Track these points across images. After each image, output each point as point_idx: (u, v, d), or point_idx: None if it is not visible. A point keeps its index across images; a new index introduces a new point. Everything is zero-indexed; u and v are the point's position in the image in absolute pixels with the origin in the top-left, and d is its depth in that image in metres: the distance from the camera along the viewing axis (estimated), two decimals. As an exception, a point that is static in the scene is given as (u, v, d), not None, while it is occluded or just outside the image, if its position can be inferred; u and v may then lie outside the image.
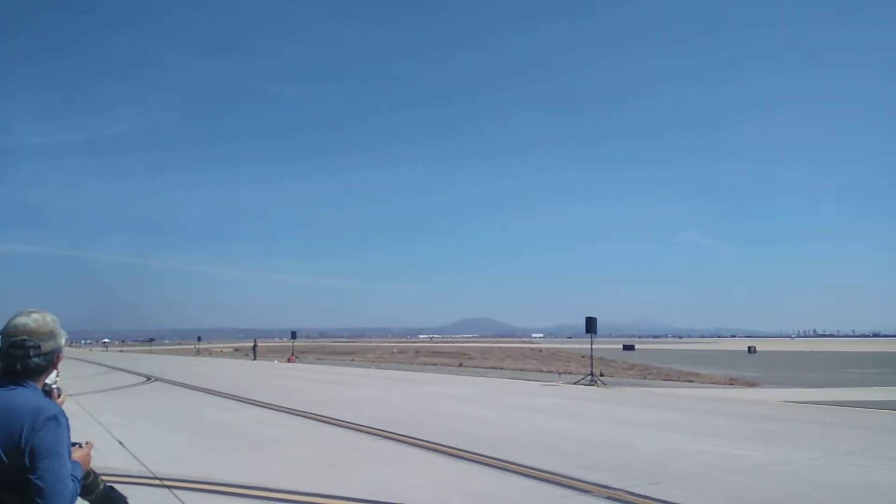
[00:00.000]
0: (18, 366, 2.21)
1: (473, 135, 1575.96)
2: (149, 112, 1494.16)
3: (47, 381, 2.41)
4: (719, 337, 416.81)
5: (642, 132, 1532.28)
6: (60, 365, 2.46)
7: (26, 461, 2.07)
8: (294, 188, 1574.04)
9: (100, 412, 14.32)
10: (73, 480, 2.14)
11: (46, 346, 2.27)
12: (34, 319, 2.28)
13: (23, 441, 2.07)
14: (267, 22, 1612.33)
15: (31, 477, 2.06)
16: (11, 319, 2.29)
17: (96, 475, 2.77)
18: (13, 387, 2.19)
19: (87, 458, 2.55)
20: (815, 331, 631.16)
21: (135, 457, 9.09)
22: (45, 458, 2.08)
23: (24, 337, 2.22)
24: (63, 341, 2.38)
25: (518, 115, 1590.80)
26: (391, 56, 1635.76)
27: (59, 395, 2.72)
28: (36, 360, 2.23)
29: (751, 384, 23.76)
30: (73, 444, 2.36)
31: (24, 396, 2.17)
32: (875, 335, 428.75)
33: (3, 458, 2.08)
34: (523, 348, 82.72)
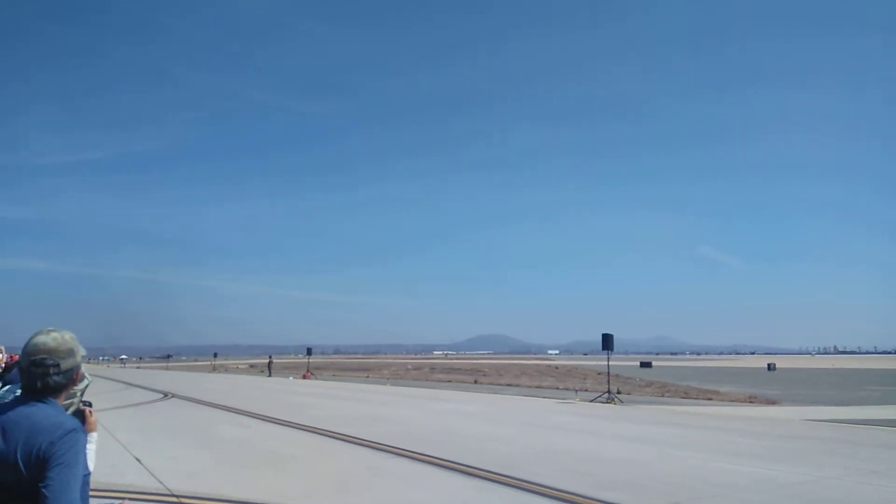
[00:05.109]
0: (39, 384, 2.26)
1: (488, 147, 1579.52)
2: (162, 130, 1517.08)
3: (83, 399, 2.44)
4: (738, 354, 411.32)
5: (657, 146, 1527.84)
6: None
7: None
8: (309, 203, 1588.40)
9: (117, 429, 14.41)
10: (81, 488, 2.15)
11: (65, 364, 2.32)
12: (53, 338, 2.33)
13: (42, 455, 2.11)
14: (277, 38, 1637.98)
15: (39, 485, 2.09)
16: (31, 339, 2.34)
17: None
18: (34, 403, 2.24)
19: None
20: (835, 347, 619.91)
21: (152, 474, 9.14)
22: (55, 467, 2.11)
23: (44, 356, 2.27)
24: (80, 358, 2.41)
25: (533, 127, 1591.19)
26: (401, 69, 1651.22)
27: (91, 415, 2.74)
28: (56, 378, 2.28)
29: (771, 402, 23.38)
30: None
31: (44, 413, 2.22)
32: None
33: (23, 470, 2.11)
34: (539, 365, 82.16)
